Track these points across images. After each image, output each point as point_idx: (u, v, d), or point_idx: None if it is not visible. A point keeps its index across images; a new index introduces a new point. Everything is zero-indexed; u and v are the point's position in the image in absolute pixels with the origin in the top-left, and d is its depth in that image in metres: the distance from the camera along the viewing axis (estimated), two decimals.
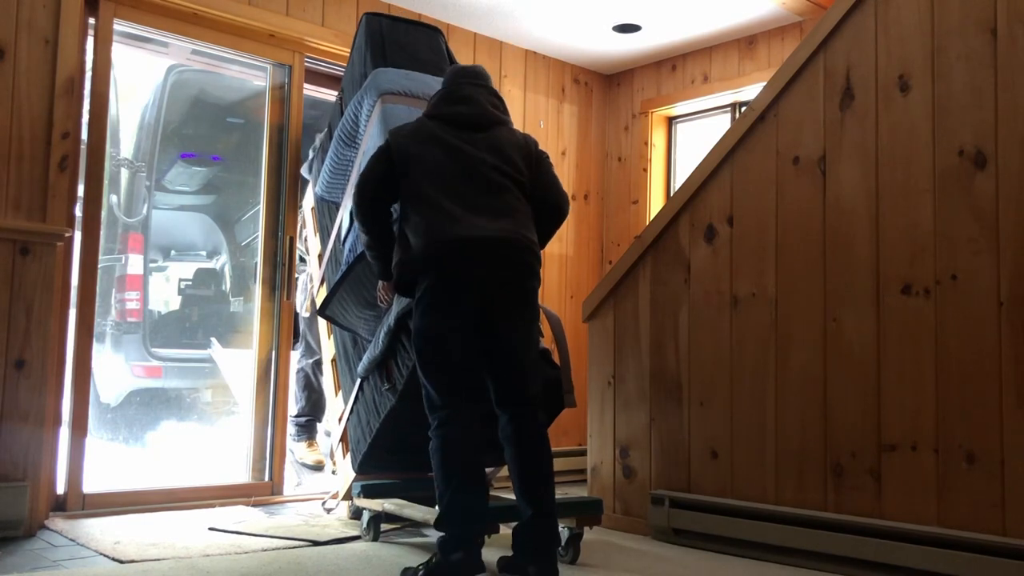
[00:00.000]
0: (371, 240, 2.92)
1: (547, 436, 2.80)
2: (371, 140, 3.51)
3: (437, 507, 2.76)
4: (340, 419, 3.73)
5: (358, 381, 3.46)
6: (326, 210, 3.95)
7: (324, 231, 3.98)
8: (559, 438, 5.11)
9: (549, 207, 2.99)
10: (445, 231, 2.72)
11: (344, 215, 3.65)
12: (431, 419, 2.74)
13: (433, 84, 3.49)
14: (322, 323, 4.04)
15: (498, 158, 2.87)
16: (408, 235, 2.80)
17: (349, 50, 4.27)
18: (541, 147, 3.06)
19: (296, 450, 4.50)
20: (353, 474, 3.53)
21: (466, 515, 2.70)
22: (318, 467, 4.47)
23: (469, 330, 2.73)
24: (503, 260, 2.76)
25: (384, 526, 3.36)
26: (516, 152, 2.93)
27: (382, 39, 3.75)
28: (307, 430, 4.58)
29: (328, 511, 3.73)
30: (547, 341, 3.19)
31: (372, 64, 3.65)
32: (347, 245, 3.53)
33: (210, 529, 3.32)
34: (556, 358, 3.24)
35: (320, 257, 3.98)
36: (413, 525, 3.46)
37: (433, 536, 3.30)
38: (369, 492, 3.31)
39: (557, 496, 2.82)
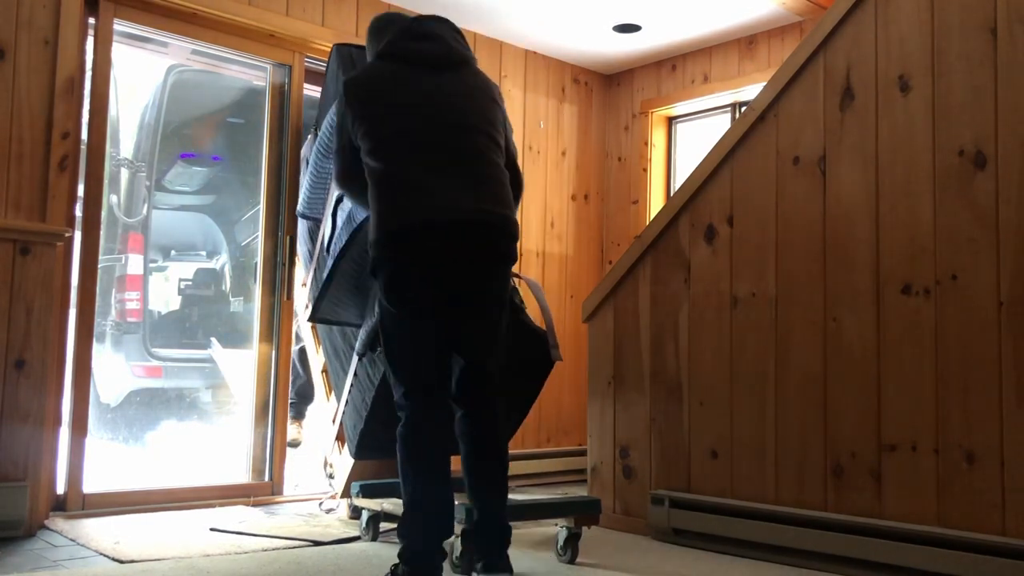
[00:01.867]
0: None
1: (503, 437, 2.66)
2: None
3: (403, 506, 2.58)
4: (334, 420, 3.74)
5: (353, 363, 3.45)
6: (307, 235, 3.99)
7: (306, 258, 4.02)
8: (559, 438, 5.12)
9: (514, 175, 2.67)
10: (410, 208, 2.41)
11: (327, 224, 3.67)
12: (399, 413, 2.56)
13: None
14: (307, 328, 4.07)
15: (474, 108, 2.54)
16: (372, 208, 2.47)
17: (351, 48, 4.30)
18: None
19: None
20: (350, 469, 3.53)
21: (428, 520, 2.49)
22: (293, 444, 4.40)
23: (434, 320, 2.50)
24: (479, 247, 2.48)
25: (384, 525, 3.36)
26: (489, 101, 2.61)
27: (352, 62, 3.86)
28: (293, 409, 4.52)
29: (327, 512, 3.73)
30: (531, 309, 3.18)
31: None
32: (331, 251, 3.52)
33: (211, 529, 3.32)
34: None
35: (304, 283, 4.04)
36: None
37: None
38: (368, 492, 3.31)
39: (557, 496, 2.82)
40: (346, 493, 3.62)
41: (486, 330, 2.61)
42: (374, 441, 3.40)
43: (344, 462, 3.67)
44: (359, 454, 3.43)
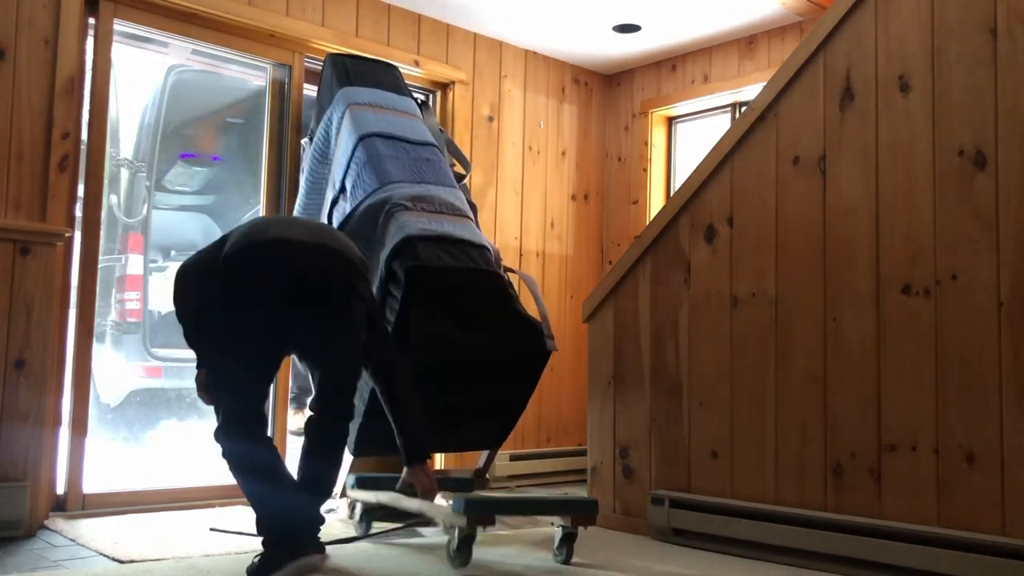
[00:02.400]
0: None
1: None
2: (343, 143, 3.70)
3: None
4: None
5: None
6: None
7: None
8: (559, 438, 5.12)
9: None
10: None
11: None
12: None
13: (396, 99, 3.85)
14: None
15: None
16: None
17: (349, 50, 4.30)
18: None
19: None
20: (348, 466, 3.52)
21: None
22: (298, 433, 4.39)
23: None
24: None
25: (385, 526, 3.36)
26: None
27: (346, 70, 3.99)
28: (295, 402, 4.53)
29: (326, 512, 3.70)
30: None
31: (339, 88, 3.90)
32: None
33: (211, 530, 3.32)
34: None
35: None
36: (415, 525, 3.46)
37: (431, 536, 3.31)
38: (363, 484, 3.30)
39: (554, 494, 2.82)
40: (345, 493, 3.62)
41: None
42: (372, 437, 3.39)
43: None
44: (357, 451, 3.44)
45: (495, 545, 3.23)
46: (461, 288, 3.27)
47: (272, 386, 3.46)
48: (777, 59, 4.58)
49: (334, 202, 3.75)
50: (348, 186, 3.67)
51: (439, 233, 3.31)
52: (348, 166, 3.69)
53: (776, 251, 3.22)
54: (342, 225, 3.59)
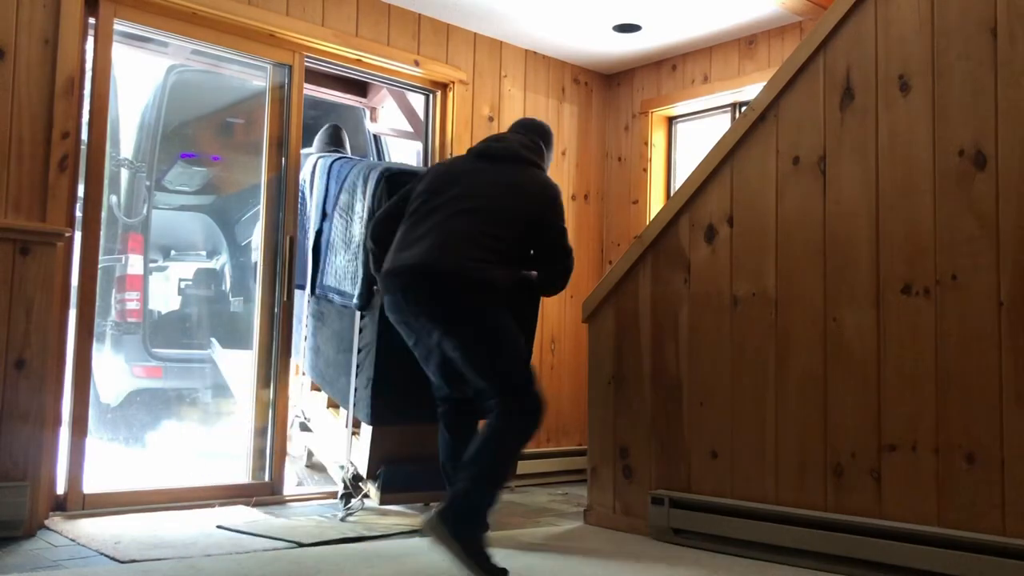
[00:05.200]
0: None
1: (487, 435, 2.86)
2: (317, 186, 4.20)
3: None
4: (346, 423, 3.77)
5: (357, 322, 3.65)
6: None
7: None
8: (559, 438, 5.12)
9: (548, 263, 3.17)
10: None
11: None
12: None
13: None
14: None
15: (493, 193, 3.04)
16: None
17: (349, 50, 4.32)
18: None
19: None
20: (370, 444, 3.61)
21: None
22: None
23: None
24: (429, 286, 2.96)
25: (390, 525, 3.36)
26: (520, 194, 3.07)
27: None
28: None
29: (344, 518, 3.65)
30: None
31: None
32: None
33: (217, 527, 3.32)
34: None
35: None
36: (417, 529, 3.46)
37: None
38: (390, 482, 3.54)
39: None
40: (371, 474, 3.63)
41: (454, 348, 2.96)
42: (388, 405, 3.52)
43: (362, 445, 3.69)
44: (376, 419, 3.50)
45: (495, 545, 3.23)
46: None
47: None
48: (777, 59, 4.58)
49: (319, 232, 4.09)
50: (328, 207, 4.06)
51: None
52: (325, 190, 4.12)
53: (776, 251, 3.22)
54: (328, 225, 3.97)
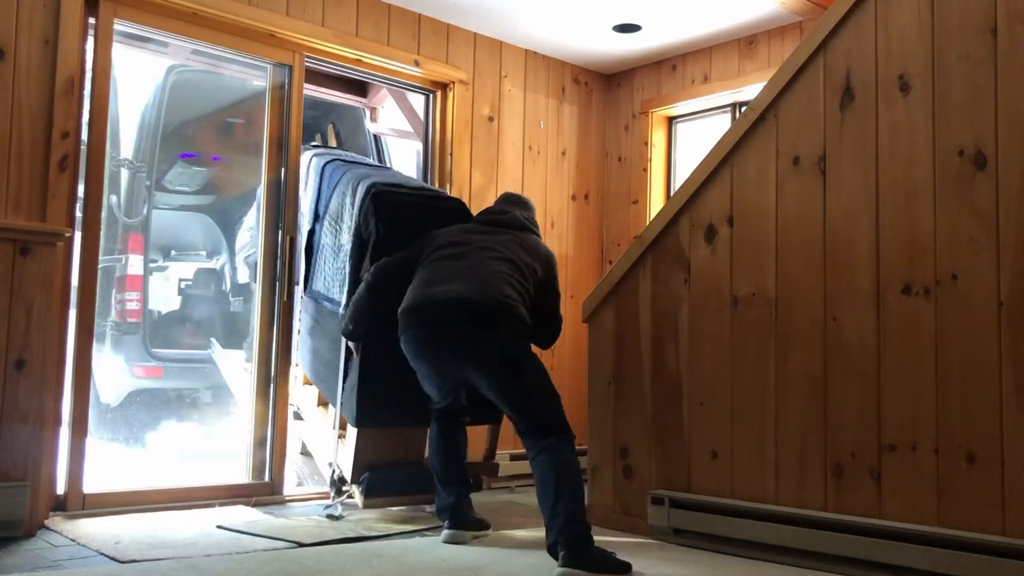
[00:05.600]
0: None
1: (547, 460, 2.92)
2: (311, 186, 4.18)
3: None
4: (333, 426, 3.77)
5: (342, 348, 3.62)
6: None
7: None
8: None
9: (544, 320, 3.35)
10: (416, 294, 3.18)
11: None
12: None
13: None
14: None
15: (503, 245, 3.25)
16: None
17: (349, 50, 4.31)
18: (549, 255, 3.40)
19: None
20: (355, 447, 3.64)
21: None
22: (298, 416, 4.46)
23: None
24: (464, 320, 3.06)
25: (390, 525, 3.36)
26: (524, 250, 3.28)
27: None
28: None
29: (330, 517, 3.66)
30: None
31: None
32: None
33: (217, 527, 3.32)
34: None
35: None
36: (428, 530, 3.47)
37: (432, 536, 3.31)
38: (374, 487, 3.55)
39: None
40: (355, 478, 3.66)
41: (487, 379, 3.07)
42: (373, 408, 3.53)
43: (348, 447, 3.71)
44: (360, 421, 3.53)
45: (495, 545, 3.23)
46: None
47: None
48: (777, 59, 4.58)
49: (312, 232, 4.10)
50: (320, 210, 4.05)
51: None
52: (317, 193, 4.11)
53: (776, 251, 3.22)
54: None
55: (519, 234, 3.39)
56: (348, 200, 3.75)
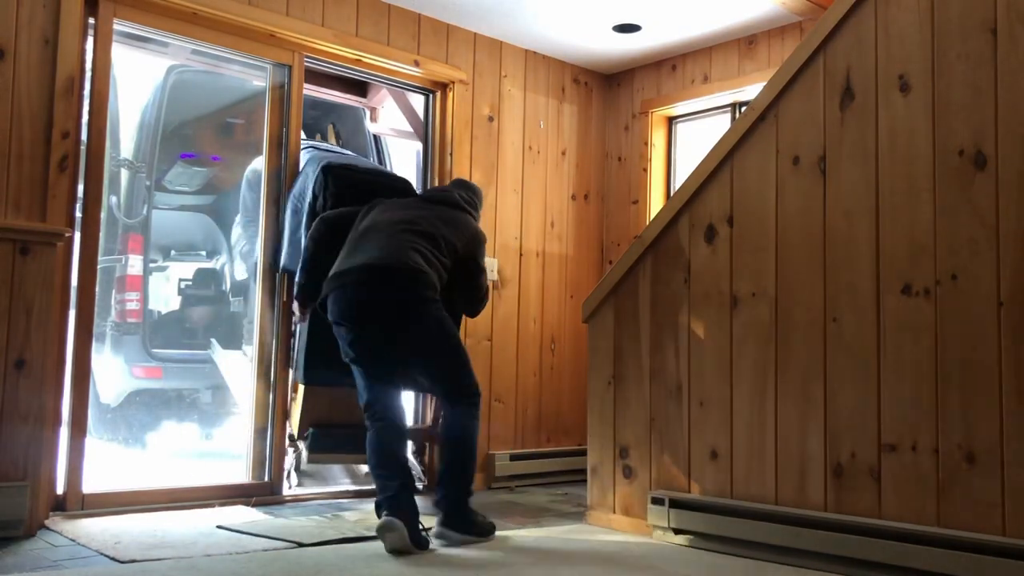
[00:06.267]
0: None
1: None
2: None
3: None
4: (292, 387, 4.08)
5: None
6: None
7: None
8: (559, 438, 5.12)
9: (465, 285, 3.60)
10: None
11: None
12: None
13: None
14: None
15: (424, 219, 3.45)
16: None
17: (349, 50, 4.31)
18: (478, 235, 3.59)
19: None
20: (302, 403, 3.91)
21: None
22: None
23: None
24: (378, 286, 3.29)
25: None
26: (449, 225, 3.49)
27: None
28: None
29: (294, 470, 4.03)
30: None
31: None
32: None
33: (217, 527, 3.32)
34: None
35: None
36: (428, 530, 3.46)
37: (432, 534, 3.31)
38: (318, 443, 3.86)
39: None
40: (300, 434, 3.93)
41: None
42: (319, 365, 3.80)
43: (296, 405, 3.97)
44: (307, 378, 3.81)
45: (495, 546, 3.23)
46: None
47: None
48: (777, 59, 4.58)
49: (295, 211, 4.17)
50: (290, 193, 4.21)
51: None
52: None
53: (776, 251, 3.22)
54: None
55: (447, 210, 3.59)
56: (309, 182, 3.98)
